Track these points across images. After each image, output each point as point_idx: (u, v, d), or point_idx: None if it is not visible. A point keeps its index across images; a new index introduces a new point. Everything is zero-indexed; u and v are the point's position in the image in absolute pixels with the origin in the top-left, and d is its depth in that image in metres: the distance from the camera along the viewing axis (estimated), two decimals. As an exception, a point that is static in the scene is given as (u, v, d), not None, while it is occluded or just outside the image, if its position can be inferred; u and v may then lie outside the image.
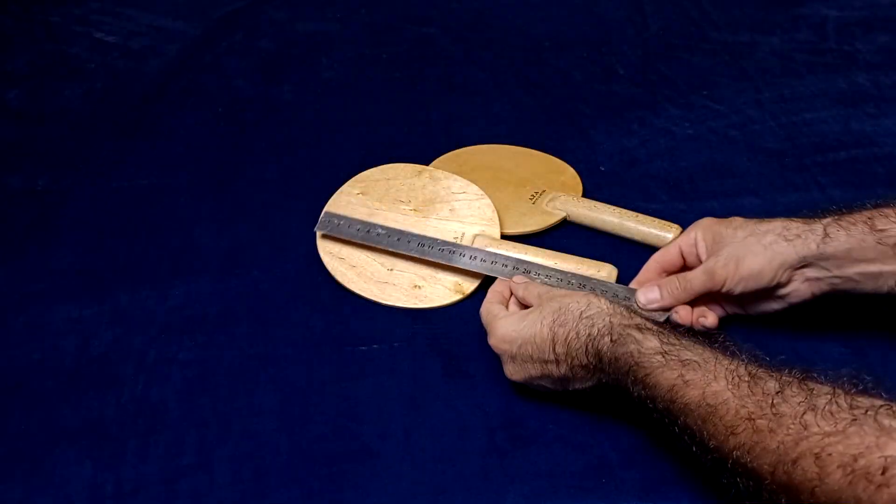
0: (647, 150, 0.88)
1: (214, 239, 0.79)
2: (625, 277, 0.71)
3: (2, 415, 0.64)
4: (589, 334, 0.55)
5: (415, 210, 0.77)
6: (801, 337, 0.66)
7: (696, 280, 0.62)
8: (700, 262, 0.64)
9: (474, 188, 0.78)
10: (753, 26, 1.08)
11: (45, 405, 0.65)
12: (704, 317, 0.63)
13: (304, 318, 0.71)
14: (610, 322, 0.55)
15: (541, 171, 0.84)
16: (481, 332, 0.69)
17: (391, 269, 0.73)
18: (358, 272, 0.73)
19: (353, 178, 0.81)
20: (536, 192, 0.81)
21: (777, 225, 0.60)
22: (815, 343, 0.66)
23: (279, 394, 0.65)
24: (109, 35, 1.14)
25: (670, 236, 0.74)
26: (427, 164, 0.83)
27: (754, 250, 0.59)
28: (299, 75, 1.04)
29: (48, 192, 0.86)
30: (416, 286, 0.72)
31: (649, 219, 0.76)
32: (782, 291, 0.61)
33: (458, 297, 0.71)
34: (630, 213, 0.77)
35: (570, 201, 0.79)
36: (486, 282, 0.72)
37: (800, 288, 0.61)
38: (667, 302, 0.63)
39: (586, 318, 0.56)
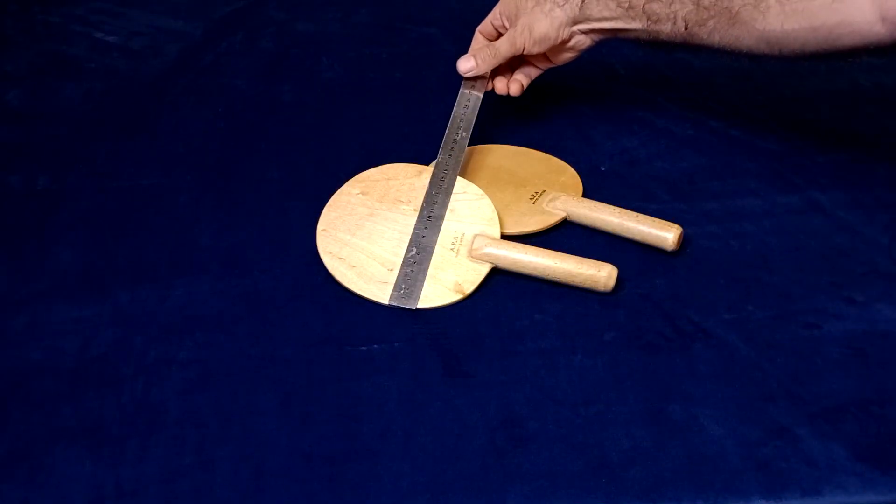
0: (648, 151, 0.88)
1: (214, 239, 0.79)
2: (625, 277, 0.71)
3: (2, 415, 0.64)
4: None
5: (415, 210, 0.77)
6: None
7: (502, 47, 0.80)
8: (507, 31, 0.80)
9: (474, 188, 0.78)
10: (753, 26, 1.08)
11: (45, 405, 0.65)
12: (514, 82, 0.85)
13: (304, 318, 0.71)
14: None
15: (541, 171, 0.84)
16: (481, 332, 0.69)
17: (391, 270, 0.73)
18: (358, 272, 0.73)
19: (353, 178, 0.81)
20: (536, 192, 0.81)
21: None
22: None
23: (279, 394, 0.65)
24: (109, 35, 1.14)
25: (670, 236, 0.74)
26: (427, 164, 0.83)
27: (540, 18, 0.78)
28: (299, 75, 1.04)
29: (48, 192, 0.86)
30: (416, 286, 0.72)
31: (649, 219, 0.76)
32: (569, 45, 0.82)
33: (458, 297, 0.71)
34: (630, 213, 0.77)
35: (570, 201, 0.79)
36: (487, 282, 0.72)
37: (581, 39, 0.81)
38: (482, 69, 0.81)
39: None
